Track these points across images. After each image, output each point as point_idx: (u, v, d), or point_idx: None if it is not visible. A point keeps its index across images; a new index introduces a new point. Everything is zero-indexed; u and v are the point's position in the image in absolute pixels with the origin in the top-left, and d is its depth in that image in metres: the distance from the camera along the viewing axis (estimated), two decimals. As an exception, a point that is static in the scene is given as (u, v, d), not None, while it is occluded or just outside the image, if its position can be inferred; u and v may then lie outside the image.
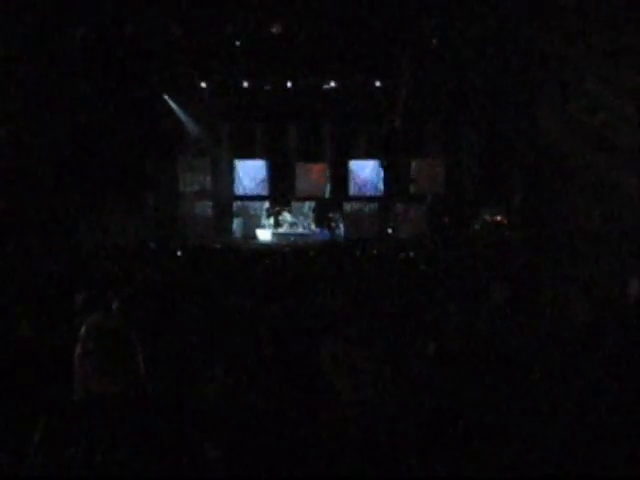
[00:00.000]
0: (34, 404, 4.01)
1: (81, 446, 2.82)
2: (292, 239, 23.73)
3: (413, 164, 25.75)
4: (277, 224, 24.93)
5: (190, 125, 25.50)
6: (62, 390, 3.84)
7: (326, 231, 24.58)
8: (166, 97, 24.89)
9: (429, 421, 3.61)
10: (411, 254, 16.78)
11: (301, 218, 25.35)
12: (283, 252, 16.76)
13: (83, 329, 3.21)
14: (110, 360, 3.09)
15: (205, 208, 26.26)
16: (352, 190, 26.59)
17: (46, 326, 5.80)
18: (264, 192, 26.69)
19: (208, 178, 26.45)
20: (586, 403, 4.14)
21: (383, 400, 3.27)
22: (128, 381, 3.09)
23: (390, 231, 24.91)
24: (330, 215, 24.86)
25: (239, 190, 26.90)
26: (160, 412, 3.01)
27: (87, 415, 2.93)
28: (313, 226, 25.05)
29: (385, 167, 26.31)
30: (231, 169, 26.76)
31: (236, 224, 25.78)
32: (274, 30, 20.12)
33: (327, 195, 26.21)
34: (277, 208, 25.18)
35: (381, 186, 26.48)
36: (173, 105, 25.07)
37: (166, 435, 2.89)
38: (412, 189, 25.68)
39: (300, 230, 24.89)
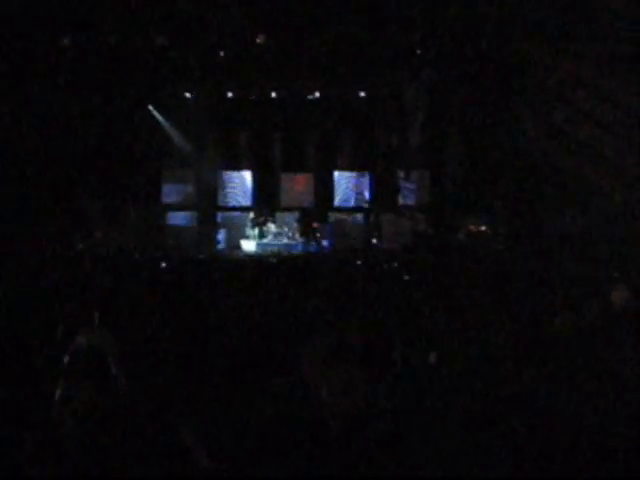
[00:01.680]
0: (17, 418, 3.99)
1: (64, 463, 2.81)
2: (277, 249, 23.70)
3: (397, 175, 25.77)
4: (262, 235, 24.86)
5: (174, 135, 25.45)
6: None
7: (311, 241, 24.53)
8: (150, 108, 24.86)
9: (412, 429, 3.59)
10: (395, 264, 16.79)
11: (286, 229, 25.28)
12: (268, 262, 16.74)
13: (71, 347, 3.24)
14: (85, 379, 3.09)
15: (189, 219, 26.20)
16: (337, 200, 26.58)
17: (31, 337, 5.78)
18: (248, 203, 26.64)
19: (192, 189, 26.40)
20: (585, 414, 4.15)
21: (364, 408, 3.26)
22: (105, 398, 3.09)
23: (375, 241, 24.90)
24: (315, 225, 24.83)
25: (223, 201, 26.85)
26: (141, 425, 3.00)
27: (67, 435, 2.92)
28: (298, 236, 24.98)
29: (370, 178, 26.35)
30: (215, 180, 26.70)
31: (221, 235, 25.72)
32: (258, 40, 20.12)
33: (312, 206, 26.16)
34: (262, 218, 25.12)
35: (366, 197, 26.51)
36: (157, 116, 25.04)
37: (148, 446, 2.88)
38: (396, 200, 25.68)
39: (285, 240, 24.84)
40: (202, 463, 3.04)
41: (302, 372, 3.46)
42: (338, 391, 3.26)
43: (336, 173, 26.58)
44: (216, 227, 26.06)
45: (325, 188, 26.52)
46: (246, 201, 26.71)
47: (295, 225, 25.33)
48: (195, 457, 3.01)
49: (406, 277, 12.99)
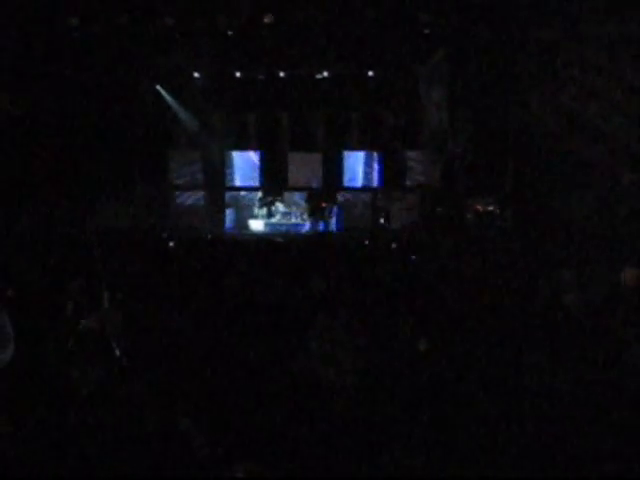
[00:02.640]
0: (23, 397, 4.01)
1: (65, 440, 2.82)
2: (285, 229, 23.73)
3: (407, 155, 25.74)
4: (270, 214, 24.89)
5: (183, 115, 25.44)
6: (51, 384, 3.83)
7: (319, 221, 24.54)
8: (159, 87, 24.85)
9: (411, 409, 3.59)
10: (402, 244, 16.80)
11: (294, 208, 25.32)
12: (276, 242, 16.76)
13: (78, 328, 3.27)
14: (89, 361, 3.11)
15: (197, 199, 26.19)
16: (345, 180, 26.54)
17: (40, 315, 5.79)
18: (256, 182, 26.63)
19: (200, 168, 26.39)
20: (578, 393, 4.14)
21: (365, 386, 3.26)
22: (107, 380, 3.11)
23: (382, 221, 24.88)
24: (323, 205, 24.81)
25: (232, 181, 26.84)
26: (142, 410, 3.01)
27: (69, 412, 2.94)
28: (306, 216, 24.99)
29: (378, 157, 26.33)
30: (223, 159, 26.71)
31: (229, 215, 25.75)
32: (266, 19, 20.05)
33: (320, 185, 26.13)
34: (270, 198, 25.14)
35: (374, 176, 26.48)
36: (166, 95, 25.03)
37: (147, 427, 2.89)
38: (406, 180, 25.67)
39: (293, 220, 24.87)
40: (200, 447, 3.04)
41: (309, 352, 3.46)
42: (345, 369, 3.26)
43: (345, 153, 26.54)
44: (224, 207, 26.08)
45: (333, 168, 26.48)
46: (254, 181, 26.69)
47: (303, 205, 25.32)
48: (194, 442, 3.01)
49: (413, 256, 12.99)
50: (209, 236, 20.82)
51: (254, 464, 2.86)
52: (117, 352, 3.29)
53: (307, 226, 24.42)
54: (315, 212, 24.84)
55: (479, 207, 22.10)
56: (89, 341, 3.24)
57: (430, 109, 24.51)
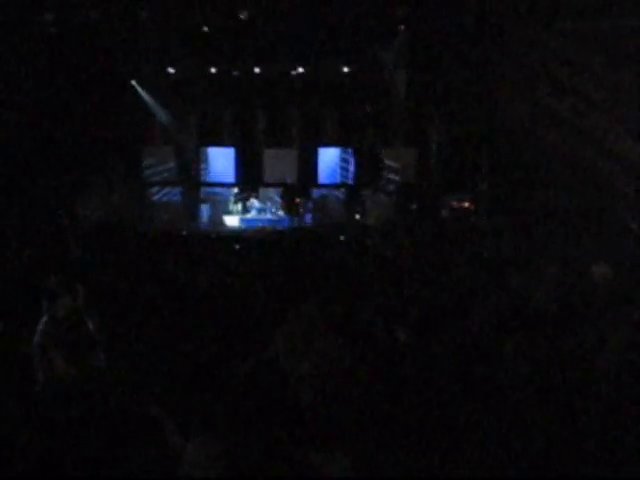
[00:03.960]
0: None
1: (45, 432, 2.82)
2: (260, 225, 23.71)
3: (382, 151, 25.74)
4: (245, 210, 24.88)
5: (158, 111, 25.36)
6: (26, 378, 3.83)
7: (294, 217, 24.54)
8: (134, 83, 24.75)
9: (390, 403, 3.61)
10: (377, 240, 16.84)
11: (269, 204, 25.28)
12: (250, 237, 16.77)
13: (44, 319, 3.25)
14: (66, 348, 3.11)
15: (173, 194, 26.12)
16: (320, 176, 26.54)
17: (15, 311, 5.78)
18: (232, 178, 26.59)
19: (176, 164, 26.31)
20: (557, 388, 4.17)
21: (335, 380, 3.27)
22: (86, 367, 3.10)
23: (357, 217, 24.91)
24: (297, 201, 24.81)
25: (207, 176, 26.80)
26: (113, 401, 3.01)
27: (49, 402, 2.94)
28: (281, 212, 24.98)
29: (354, 154, 26.33)
30: (199, 155, 26.66)
31: (204, 210, 25.70)
32: (242, 16, 20.05)
33: (295, 181, 26.11)
34: (245, 194, 25.12)
35: (349, 172, 26.47)
36: (141, 91, 24.93)
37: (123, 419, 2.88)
38: (381, 176, 25.67)
39: (268, 216, 24.84)
40: (174, 441, 3.05)
41: (278, 347, 3.47)
42: (317, 364, 3.27)
43: (320, 149, 26.53)
44: (199, 203, 26.04)
45: (309, 164, 26.47)
46: (230, 177, 26.64)
47: (278, 201, 25.30)
48: (167, 435, 3.01)
49: (387, 252, 13.03)
50: (184, 232, 20.79)
51: (216, 440, 2.86)
52: (92, 339, 3.28)
53: (282, 222, 24.40)
54: (290, 208, 24.83)
55: (454, 203, 22.19)
56: (63, 325, 3.24)
57: (405, 105, 24.55)
